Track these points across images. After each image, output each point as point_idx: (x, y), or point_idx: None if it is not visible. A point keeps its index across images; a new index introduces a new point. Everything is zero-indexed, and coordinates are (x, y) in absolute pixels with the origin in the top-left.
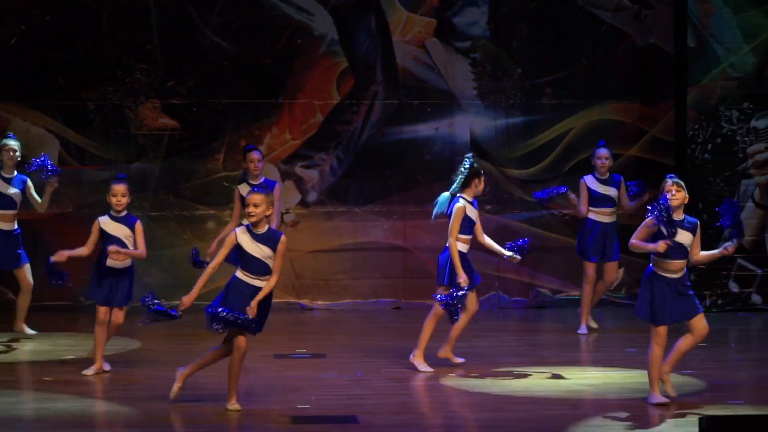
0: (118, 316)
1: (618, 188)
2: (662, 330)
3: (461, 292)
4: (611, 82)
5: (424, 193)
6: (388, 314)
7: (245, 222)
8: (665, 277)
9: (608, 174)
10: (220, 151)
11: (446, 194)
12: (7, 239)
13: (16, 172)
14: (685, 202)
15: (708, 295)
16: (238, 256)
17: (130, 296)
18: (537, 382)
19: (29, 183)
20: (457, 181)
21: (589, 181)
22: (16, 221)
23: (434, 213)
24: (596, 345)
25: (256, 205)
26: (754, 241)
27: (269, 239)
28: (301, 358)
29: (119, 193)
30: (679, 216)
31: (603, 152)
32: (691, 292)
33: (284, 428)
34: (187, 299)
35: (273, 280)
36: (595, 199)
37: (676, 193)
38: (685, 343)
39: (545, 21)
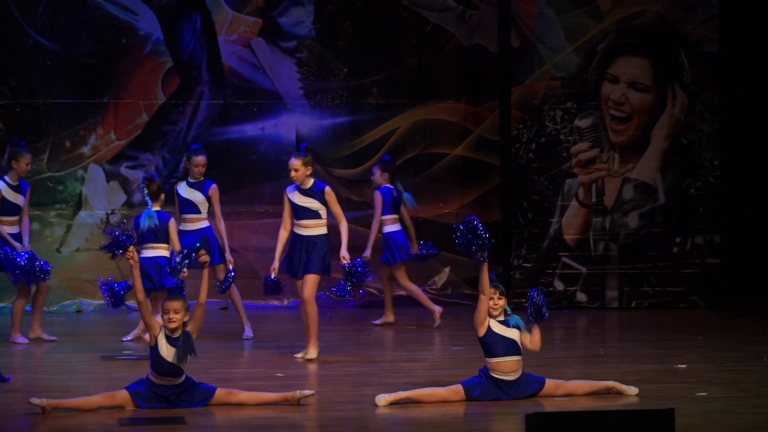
0: None
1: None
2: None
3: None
4: (437, 81)
5: (251, 193)
6: (215, 314)
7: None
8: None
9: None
10: (45, 151)
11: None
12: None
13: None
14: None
15: None
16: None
17: None
18: (365, 380)
19: None
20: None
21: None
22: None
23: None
24: (424, 342)
25: (176, 311)
26: (579, 240)
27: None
28: (128, 360)
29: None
30: (501, 317)
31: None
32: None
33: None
34: None
35: None
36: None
37: (497, 301)
38: None
39: (371, 21)
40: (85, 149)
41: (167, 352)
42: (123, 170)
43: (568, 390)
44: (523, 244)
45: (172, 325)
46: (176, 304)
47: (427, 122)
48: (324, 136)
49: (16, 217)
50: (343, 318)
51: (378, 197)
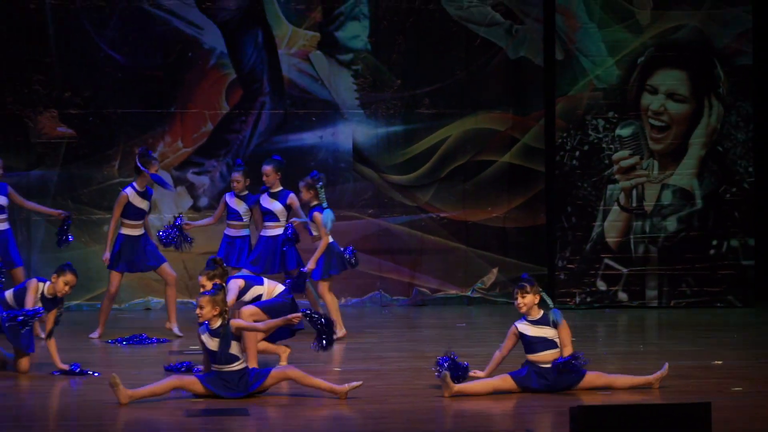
0: None
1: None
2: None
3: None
4: (485, 92)
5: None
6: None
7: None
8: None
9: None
10: (116, 158)
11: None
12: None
13: None
14: (535, 302)
15: (577, 293)
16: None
17: None
18: (417, 375)
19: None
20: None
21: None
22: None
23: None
24: (474, 339)
25: (201, 307)
26: (620, 243)
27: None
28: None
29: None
30: (535, 315)
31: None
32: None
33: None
34: None
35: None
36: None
37: (521, 300)
38: None
39: (423, 35)
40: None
41: (212, 343)
42: (189, 176)
43: (608, 381)
44: (567, 247)
45: (199, 320)
46: (202, 300)
47: (476, 131)
48: (378, 144)
49: (141, 222)
50: (398, 315)
51: (319, 218)
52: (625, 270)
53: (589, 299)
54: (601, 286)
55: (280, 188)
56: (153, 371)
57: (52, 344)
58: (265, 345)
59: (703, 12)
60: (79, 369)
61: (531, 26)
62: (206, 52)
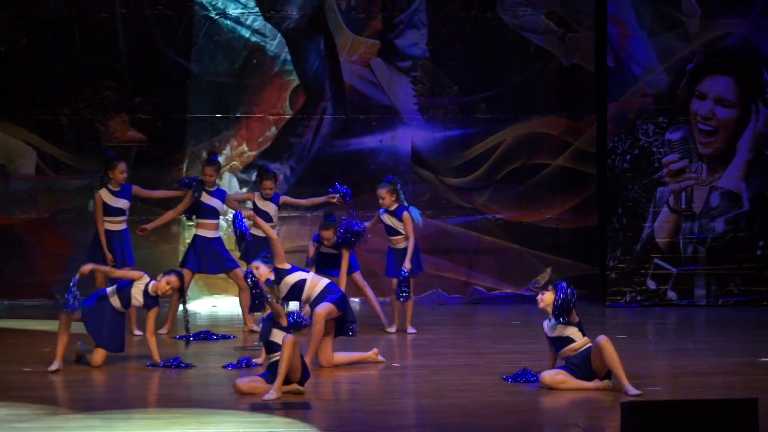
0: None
1: None
2: None
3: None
4: (539, 98)
5: (370, 200)
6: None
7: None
8: None
9: None
10: (183, 161)
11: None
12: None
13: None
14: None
15: (628, 291)
16: None
17: None
18: (473, 370)
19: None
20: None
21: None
22: (218, 228)
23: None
24: (528, 337)
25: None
26: (669, 243)
27: None
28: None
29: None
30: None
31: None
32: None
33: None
34: None
35: None
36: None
37: (541, 298)
38: None
39: (479, 43)
40: (220, 159)
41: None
42: (255, 178)
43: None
44: (618, 247)
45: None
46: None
47: (530, 135)
48: (436, 147)
49: (216, 221)
50: (455, 313)
51: (409, 217)
52: (674, 270)
53: (639, 298)
54: (651, 285)
55: (396, 206)
56: (215, 365)
57: (153, 341)
58: (358, 356)
59: (750, 21)
60: (178, 362)
61: (583, 34)
62: (271, 59)
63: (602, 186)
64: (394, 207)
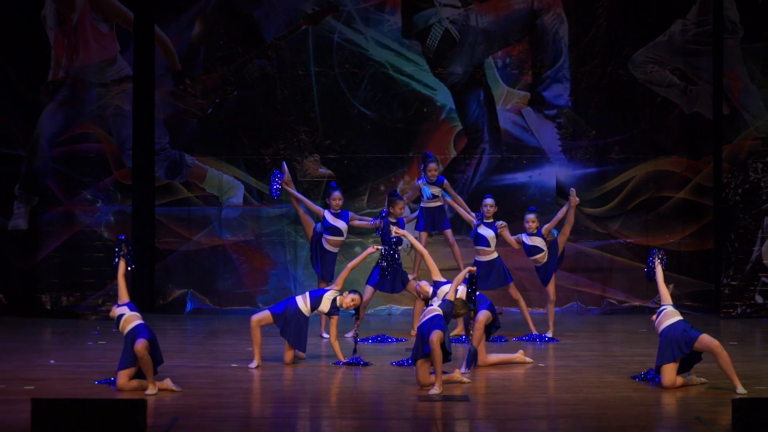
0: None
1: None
2: None
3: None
4: (664, 141)
5: (520, 227)
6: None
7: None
8: None
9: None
10: (365, 193)
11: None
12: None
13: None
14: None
15: (739, 305)
16: None
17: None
18: (606, 370)
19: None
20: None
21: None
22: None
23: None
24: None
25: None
26: None
27: None
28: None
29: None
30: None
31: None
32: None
33: None
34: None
35: None
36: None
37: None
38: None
39: (614, 94)
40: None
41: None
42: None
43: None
44: (731, 267)
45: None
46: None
47: (656, 172)
48: (576, 183)
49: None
50: (591, 322)
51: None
52: None
53: (749, 311)
54: (759, 299)
55: (492, 219)
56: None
57: (337, 343)
58: (507, 357)
59: None
60: (362, 361)
61: (702, 87)
62: (438, 108)
63: (718, 215)
64: (535, 231)
